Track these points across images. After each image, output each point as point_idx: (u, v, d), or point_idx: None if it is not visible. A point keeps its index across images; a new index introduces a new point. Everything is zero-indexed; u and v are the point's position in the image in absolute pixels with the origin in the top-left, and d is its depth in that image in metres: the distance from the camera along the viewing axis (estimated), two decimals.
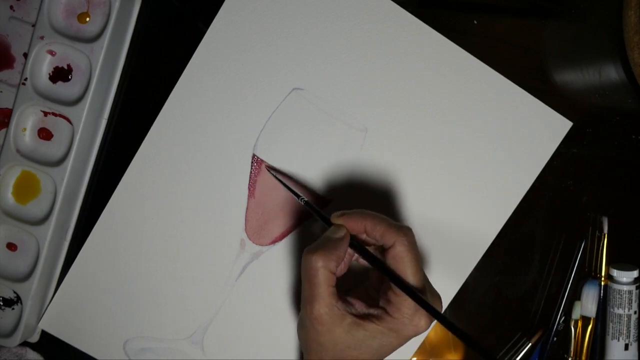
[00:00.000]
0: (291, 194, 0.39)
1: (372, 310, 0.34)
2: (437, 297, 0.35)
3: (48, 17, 0.41)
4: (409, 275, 0.33)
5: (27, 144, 0.43)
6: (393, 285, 0.33)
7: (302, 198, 0.38)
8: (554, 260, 0.44)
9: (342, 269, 0.37)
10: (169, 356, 0.45)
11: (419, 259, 0.33)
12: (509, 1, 0.43)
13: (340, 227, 0.35)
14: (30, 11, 0.42)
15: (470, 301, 0.45)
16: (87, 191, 0.45)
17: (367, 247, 0.35)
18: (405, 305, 0.32)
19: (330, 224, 0.36)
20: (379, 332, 0.33)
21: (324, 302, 0.33)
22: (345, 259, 0.37)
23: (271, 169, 0.42)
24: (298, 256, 0.44)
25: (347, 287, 0.37)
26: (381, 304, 0.34)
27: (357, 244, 0.35)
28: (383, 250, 0.34)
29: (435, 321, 0.33)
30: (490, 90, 0.42)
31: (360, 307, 0.34)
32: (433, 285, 0.35)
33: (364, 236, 0.35)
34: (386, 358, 0.35)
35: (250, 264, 0.44)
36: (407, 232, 0.33)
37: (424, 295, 0.33)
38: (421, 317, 0.33)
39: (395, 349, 0.34)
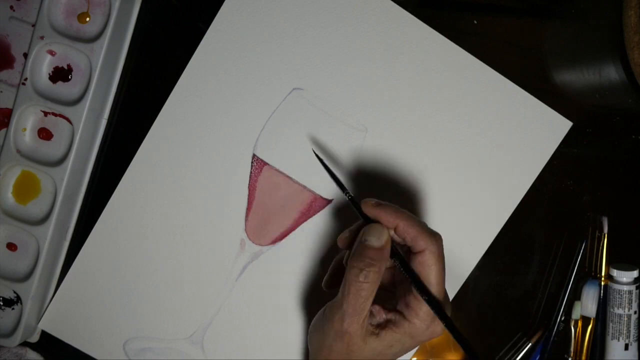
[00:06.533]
0: (337, 185, 0.37)
1: (389, 316, 0.34)
2: (449, 304, 0.34)
3: (48, 17, 0.41)
4: (433, 285, 0.32)
5: (27, 144, 0.43)
6: (414, 290, 0.32)
7: (347, 192, 0.36)
8: (554, 260, 0.44)
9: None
10: (169, 356, 0.45)
11: (444, 270, 0.33)
12: (509, 1, 0.43)
13: (382, 232, 0.33)
14: (30, 11, 0.42)
15: (470, 301, 0.44)
16: (87, 191, 0.45)
17: (403, 257, 0.34)
18: (424, 311, 0.32)
19: (368, 220, 0.34)
20: (395, 340, 0.33)
21: (360, 317, 0.32)
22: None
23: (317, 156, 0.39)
24: (298, 256, 0.44)
25: None
26: (399, 307, 0.34)
27: (396, 253, 0.34)
28: (409, 251, 0.34)
29: None
30: (490, 90, 0.42)
31: (379, 315, 0.34)
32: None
33: (392, 232, 0.34)
34: None
35: (250, 264, 0.44)
36: (438, 241, 0.33)
37: (443, 306, 0.32)
38: (439, 323, 0.33)
39: (409, 352, 0.34)
